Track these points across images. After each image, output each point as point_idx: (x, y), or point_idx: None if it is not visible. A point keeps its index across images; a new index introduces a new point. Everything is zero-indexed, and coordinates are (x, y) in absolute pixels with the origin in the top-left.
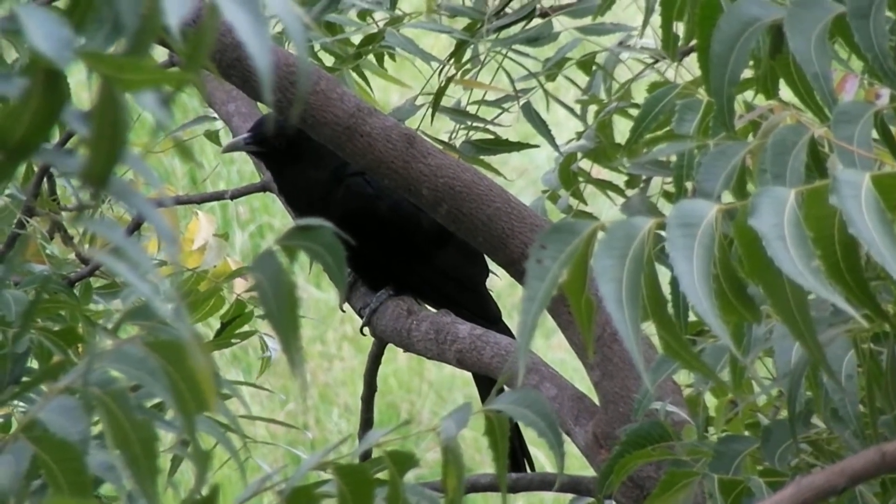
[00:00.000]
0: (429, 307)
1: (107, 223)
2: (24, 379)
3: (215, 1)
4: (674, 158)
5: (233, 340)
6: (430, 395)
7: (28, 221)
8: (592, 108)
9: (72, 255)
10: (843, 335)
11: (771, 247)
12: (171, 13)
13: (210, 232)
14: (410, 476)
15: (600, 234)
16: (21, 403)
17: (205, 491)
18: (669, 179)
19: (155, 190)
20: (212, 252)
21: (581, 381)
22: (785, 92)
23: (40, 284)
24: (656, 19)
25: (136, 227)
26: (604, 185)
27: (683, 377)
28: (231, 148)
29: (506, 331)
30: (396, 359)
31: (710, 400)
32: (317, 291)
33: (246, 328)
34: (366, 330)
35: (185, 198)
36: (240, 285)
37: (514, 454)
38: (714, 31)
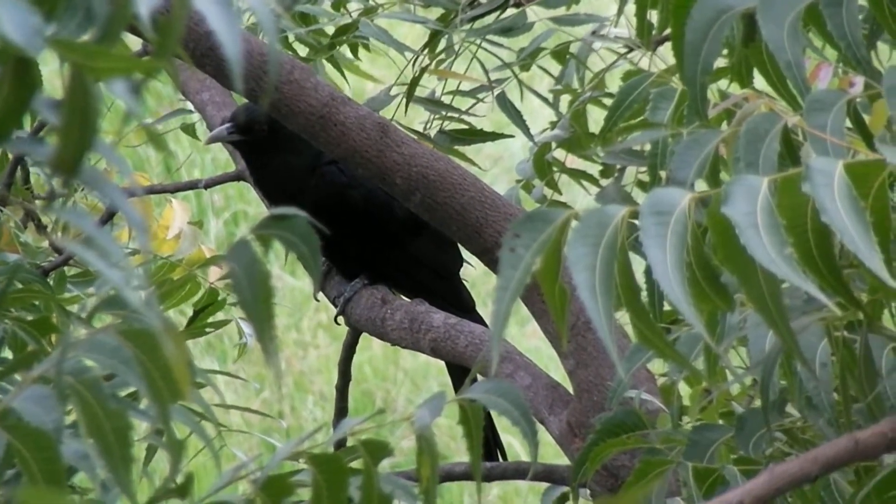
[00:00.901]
0: (403, 296)
1: (78, 212)
2: None
3: None
4: (648, 147)
5: (207, 329)
6: (406, 383)
7: (2, 210)
8: (566, 98)
9: (45, 244)
10: (816, 323)
11: (744, 235)
12: (142, 1)
13: (184, 220)
14: (385, 464)
15: (574, 223)
16: None
17: (179, 479)
18: (643, 168)
19: (126, 179)
20: (186, 240)
21: (556, 369)
22: (759, 80)
23: (11, 272)
24: (630, 8)
25: (109, 216)
26: (578, 175)
27: (658, 366)
28: (214, 139)
29: (480, 320)
30: (371, 347)
31: (685, 389)
32: (292, 279)
33: (221, 316)
34: (340, 319)
35: (158, 187)
36: (214, 273)
37: (487, 443)
38: (687, 20)
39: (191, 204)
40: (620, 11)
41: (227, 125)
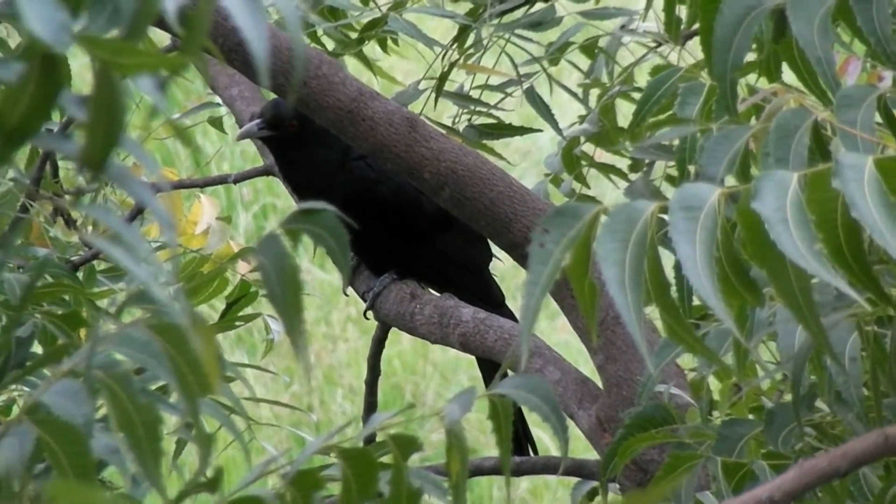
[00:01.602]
0: (432, 291)
1: (105, 208)
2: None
3: None
4: (676, 142)
5: (237, 323)
6: (435, 377)
7: (31, 205)
8: (595, 92)
9: (74, 239)
10: (846, 318)
11: (774, 230)
12: None
13: (213, 215)
14: (415, 458)
15: (603, 218)
16: (23, 388)
17: (209, 473)
18: (672, 163)
19: (153, 175)
20: (215, 235)
21: (586, 363)
22: (788, 75)
23: (39, 266)
24: (658, 3)
25: (139, 212)
26: (607, 169)
27: (687, 361)
28: (244, 135)
29: (509, 314)
30: (401, 341)
31: (714, 383)
32: (321, 273)
33: (250, 310)
34: (369, 314)
35: (187, 182)
36: (243, 267)
37: (518, 437)
38: (717, 16)
39: (220, 198)
40: (649, 6)
41: (257, 121)
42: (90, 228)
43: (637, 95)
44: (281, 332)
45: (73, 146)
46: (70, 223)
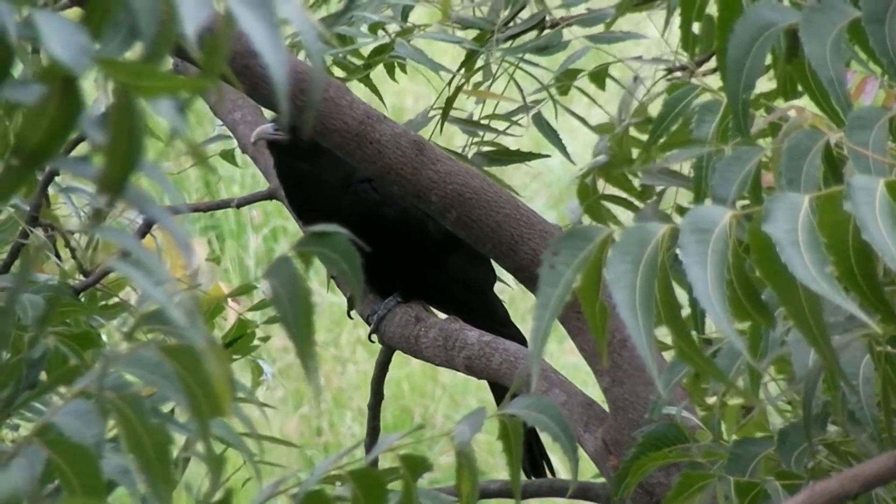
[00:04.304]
0: (437, 313)
1: (120, 231)
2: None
3: (231, 9)
4: (687, 168)
5: (234, 356)
6: (444, 399)
7: (32, 231)
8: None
9: (68, 265)
10: (859, 339)
11: (785, 253)
12: (188, 20)
13: (202, 256)
14: (424, 481)
15: (614, 240)
16: (26, 413)
17: (218, 495)
18: (683, 191)
19: (172, 198)
20: (205, 276)
21: (594, 386)
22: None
23: (56, 290)
24: (668, 32)
25: (143, 235)
26: (616, 201)
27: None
28: (260, 135)
29: (516, 333)
30: (410, 363)
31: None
32: (330, 295)
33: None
34: (374, 337)
35: (191, 206)
36: (231, 314)
37: (533, 458)
38: (729, 36)
39: (229, 221)
40: (668, 21)
41: (272, 124)
42: (90, 253)
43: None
44: (272, 377)
45: (89, 169)
46: (71, 250)
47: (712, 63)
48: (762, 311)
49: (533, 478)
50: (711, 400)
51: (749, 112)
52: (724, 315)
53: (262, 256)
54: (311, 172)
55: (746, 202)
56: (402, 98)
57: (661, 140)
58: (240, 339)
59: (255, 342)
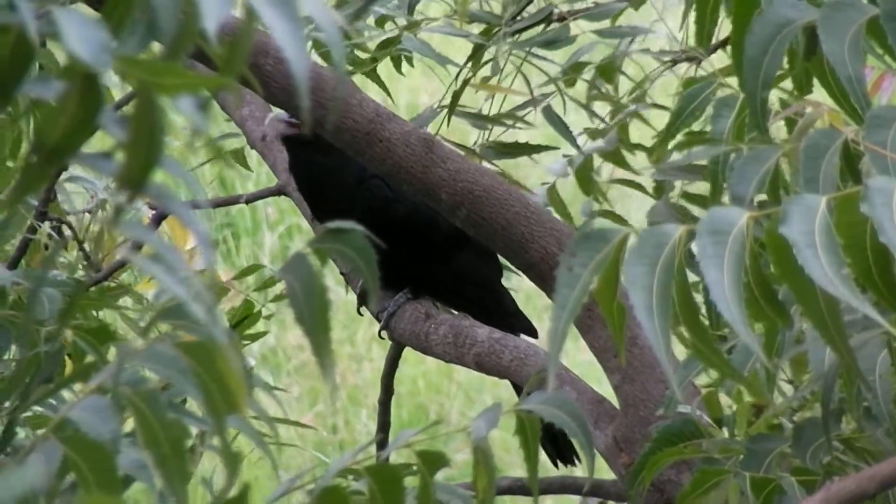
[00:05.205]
0: (447, 310)
1: (140, 225)
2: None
3: (252, 5)
4: (700, 161)
5: (243, 342)
6: (459, 396)
7: (39, 227)
8: (603, 105)
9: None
10: (877, 336)
11: (801, 255)
12: (209, 17)
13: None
14: (439, 477)
15: (631, 242)
16: (38, 409)
17: (235, 490)
18: (688, 182)
19: (196, 193)
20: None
21: (608, 384)
22: (820, 90)
23: (76, 284)
24: (670, 21)
25: (154, 226)
26: (627, 184)
27: (701, 378)
28: (275, 119)
29: (526, 322)
30: (425, 360)
31: (724, 400)
32: (346, 292)
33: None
34: (384, 333)
35: (200, 202)
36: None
37: (560, 448)
38: (748, 34)
39: (245, 218)
40: (686, 14)
41: (285, 113)
42: (94, 247)
43: (652, 112)
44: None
45: (110, 166)
46: (77, 245)
47: (717, 57)
48: (779, 311)
49: (560, 464)
50: (724, 399)
51: (767, 109)
52: (741, 318)
53: (277, 254)
54: (327, 167)
55: (764, 198)
56: (416, 95)
57: (679, 136)
58: (246, 319)
59: (261, 329)
